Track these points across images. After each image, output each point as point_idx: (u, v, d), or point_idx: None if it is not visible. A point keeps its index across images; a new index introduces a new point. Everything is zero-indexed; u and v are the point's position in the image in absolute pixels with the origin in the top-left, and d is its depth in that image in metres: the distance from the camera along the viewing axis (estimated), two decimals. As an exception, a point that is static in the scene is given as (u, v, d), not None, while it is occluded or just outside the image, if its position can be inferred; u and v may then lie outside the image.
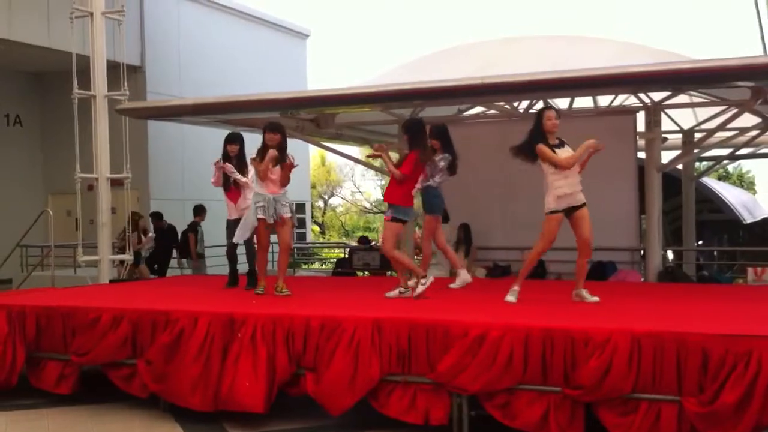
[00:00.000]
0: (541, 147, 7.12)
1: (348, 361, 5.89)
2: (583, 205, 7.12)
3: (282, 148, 7.93)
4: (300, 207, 24.34)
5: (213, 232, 17.71)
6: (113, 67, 12.44)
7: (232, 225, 8.69)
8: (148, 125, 18.24)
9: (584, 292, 7.17)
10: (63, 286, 10.08)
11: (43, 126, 20.29)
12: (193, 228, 14.49)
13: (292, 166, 7.90)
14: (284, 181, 7.93)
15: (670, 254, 15.50)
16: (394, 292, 7.70)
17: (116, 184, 12.39)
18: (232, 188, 8.78)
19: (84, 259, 12.02)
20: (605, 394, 5.24)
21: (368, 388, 5.86)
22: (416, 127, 7.84)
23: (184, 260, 14.87)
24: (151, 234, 14.88)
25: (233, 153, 8.74)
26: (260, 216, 7.87)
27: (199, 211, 14.52)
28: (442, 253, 9.26)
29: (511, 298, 7.13)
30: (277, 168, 7.88)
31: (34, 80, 20.28)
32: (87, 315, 6.89)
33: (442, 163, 8.22)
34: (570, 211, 7.09)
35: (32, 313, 7.13)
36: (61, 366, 7.00)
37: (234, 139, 8.85)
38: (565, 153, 7.11)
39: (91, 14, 12.09)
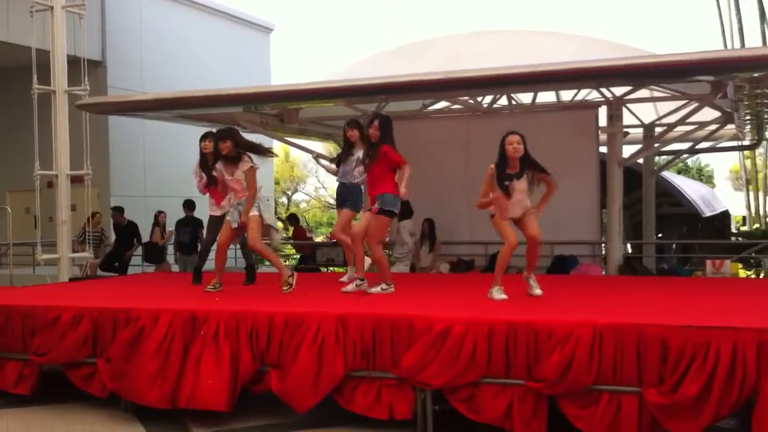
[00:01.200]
0: (487, 174, 7.00)
1: (312, 358, 5.87)
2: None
3: (231, 156, 7.81)
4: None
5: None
6: (74, 62, 12.29)
7: (213, 222, 8.65)
8: (109, 121, 18.05)
9: (531, 281, 7.18)
10: (22, 285, 9.92)
11: (2, 122, 19.96)
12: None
13: (252, 172, 7.79)
14: (251, 190, 7.78)
15: (629, 247, 15.70)
16: (351, 286, 7.69)
17: (76, 181, 12.24)
18: (216, 186, 8.60)
19: (43, 257, 11.87)
20: (568, 386, 5.28)
21: (333, 384, 5.85)
22: (390, 123, 7.76)
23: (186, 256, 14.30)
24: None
25: (225, 151, 8.16)
26: (232, 227, 7.93)
27: (190, 205, 14.18)
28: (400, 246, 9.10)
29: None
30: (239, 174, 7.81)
31: (-7, 75, 19.97)
32: (46, 314, 6.77)
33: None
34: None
35: (-10, 313, 7.00)
36: (21, 366, 6.87)
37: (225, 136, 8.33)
38: (520, 185, 6.86)
39: (52, 8, 11.92)
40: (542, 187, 7.02)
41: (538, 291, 7.10)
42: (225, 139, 7.83)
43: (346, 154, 8.32)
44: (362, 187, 8.18)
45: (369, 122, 7.67)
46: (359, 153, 8.00)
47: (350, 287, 7.71)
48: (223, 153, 7.81)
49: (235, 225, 7.87)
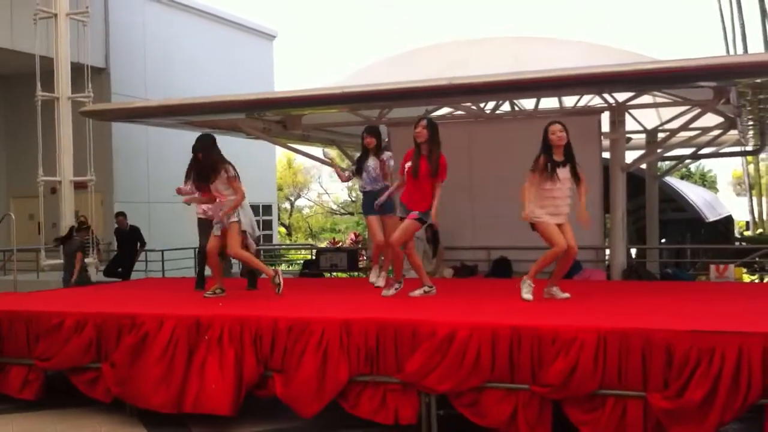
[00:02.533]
0: (531, 171, 7.08)
1: (317, 363, 5.88)
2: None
3: (215, 165, 7.85)
4: (267, 209, 24.26)
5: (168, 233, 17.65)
6: (77, 69, 12.33)
7: (202, 224, 8.67)
8: (113, 127, 18.09)
9: (555, 289, 7.28)
10: (26, 291, 9.94)
11: (6, 128, 20.03)
12: None
13: (234, 180, 7.86)
14: (237, 199, 7.87)
15: (633, 252, 15.69)
16: (419, 291, 7.65)
17: (80, 187, 12.28)
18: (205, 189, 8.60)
19: (47, 263, 11.89)
20: (572, 391, 5.28)
21: (337, 389, 5.86)
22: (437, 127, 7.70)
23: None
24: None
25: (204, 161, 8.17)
26: (214, 233, 7.97)
27: None
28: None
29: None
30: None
31: (-3, 82, 20.03)
32: (51, 319, 6.79)
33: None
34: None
35: (-5, 318, 7.02)
36: (25, 371, 6.90)
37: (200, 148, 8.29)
38: (564, 174, 6.99)
39: (55, 15, 12.00)
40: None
41: (564, 294, 7.20)
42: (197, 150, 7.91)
43: (363, 161, 8.54)
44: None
45: (416, 122, 7.65)
46: (385, 155, 8.36)
47: (417, 292, 7.65)
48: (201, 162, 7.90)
49: (218, 233, 7.90)
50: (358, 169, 8.65)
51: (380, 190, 8.43)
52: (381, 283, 8.60)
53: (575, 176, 7.04)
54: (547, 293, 7.26)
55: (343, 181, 8.91)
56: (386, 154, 8.49)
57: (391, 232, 8.02)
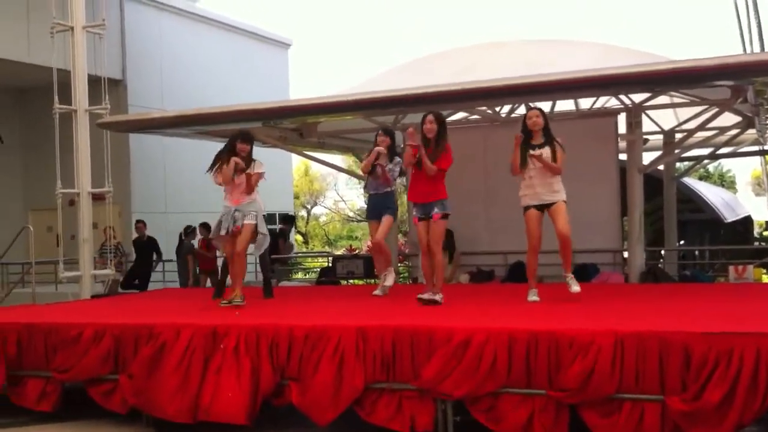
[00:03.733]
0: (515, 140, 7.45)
1: (333, 371, 5.87)
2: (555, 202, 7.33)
3: (250, 158, 7.94)
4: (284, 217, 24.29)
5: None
6: (94, 81, 12.40)
7: None
8: (130, 139, 18.20)
9: (569, 278, 7.50)
10: (44, 303, 10.00)
11: (24, 141, 20.20)
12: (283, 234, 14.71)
13: (258, 176, 7.88)
14: (249, 189, 7.88)
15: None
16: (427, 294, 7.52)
17: (98, 198, 12.33)
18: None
19: (65, 275, 11.94)
20: (589, 395, 5.24)
21: (353, 397, 5.84)
22: (445, 121, 7.73)
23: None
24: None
25: (244, 153, 8.08)
26: (220, 233, 7.91)
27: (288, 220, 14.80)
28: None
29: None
30: (243, 176, 7.86)
31: (15, 95, 20.20)
32: (69, 331, 6.82)
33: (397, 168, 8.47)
34: (544, 207, 7.38)
35: (13, 331, 7.05)
36: (43, 383, 6.92)
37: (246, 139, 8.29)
38: (545, 152, 7.30)
39: (72, 28, 12.06)
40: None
41: (575, 288, 7.37)
42: (246, 141, 8.01)
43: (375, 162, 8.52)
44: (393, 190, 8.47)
45: (423, 117, 7.61)
46: (395, 160, 8.34)
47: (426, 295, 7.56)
48: (242, 155, 7.91)
49: (224, 232, 7.90)
50: (372, 170, 8.59)
51: (383, 195, 8.49)
52: (390, 281, 8.59)
53: (553, 155, 7.30)
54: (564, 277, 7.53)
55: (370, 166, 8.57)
56: (396, 160, 8.46)
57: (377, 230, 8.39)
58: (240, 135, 8.07)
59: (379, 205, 8.59)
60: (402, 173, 8.68)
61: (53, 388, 6.89)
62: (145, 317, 7.19)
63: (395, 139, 8.92)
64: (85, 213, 11.97)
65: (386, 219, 8.47)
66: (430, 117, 7.54)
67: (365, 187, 8.89)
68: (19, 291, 14.58)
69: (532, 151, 7.32)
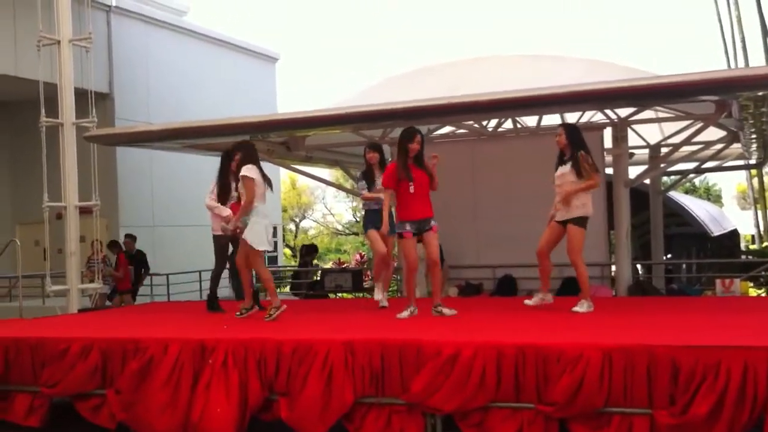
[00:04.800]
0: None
1: (321, 385, 5.86)
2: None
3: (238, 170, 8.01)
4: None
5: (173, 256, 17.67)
6: (81, 95, 12.38)
7: (220, 242, 8.79)
8: (117, 152, 18.13)
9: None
10: (31, 317, 9.94)
11: (11, 155, 20.08)
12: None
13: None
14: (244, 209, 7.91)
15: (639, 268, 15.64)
16: (406, 313, 7.61)
17: (85, 212, 12.29)
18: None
19: (53, 289, 11.88)
20: (578, 409, 5.26)
21: (342, 411, 5.83)
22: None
23: None
24: None
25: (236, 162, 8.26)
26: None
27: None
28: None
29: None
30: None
31: (2, 109, 20.10)
32: (56, 346, 6.79)
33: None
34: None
35: (0, 345, 7.01)
36: (31, 398, 6.88)
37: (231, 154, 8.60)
38: (562, 170, 7.88)
39: (59, 42, 12.04)
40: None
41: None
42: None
43: (368, 178, 8.67)
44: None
45: (411, 135, 7.70)
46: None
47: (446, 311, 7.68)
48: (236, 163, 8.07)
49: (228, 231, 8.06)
50: (370, 185, 8.73)
51: (381, 209, 8.34)
52: (386, 302, 8.59)
53: (576, 171, 7.71)
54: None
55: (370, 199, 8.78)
56: None
57: (391, 249, 8.38)
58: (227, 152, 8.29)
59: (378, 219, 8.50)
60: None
61: (41, 402, 6.85)
62: (133, 331, 7.16)
63: (384, 153, 8.97)
64: (72, 226, 11.92)
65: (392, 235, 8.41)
66: (419, 137, 7.67)
67: (366, 205, 8.95)
68: (6, 305, 14.52)
69: (561, 167, 7.86)
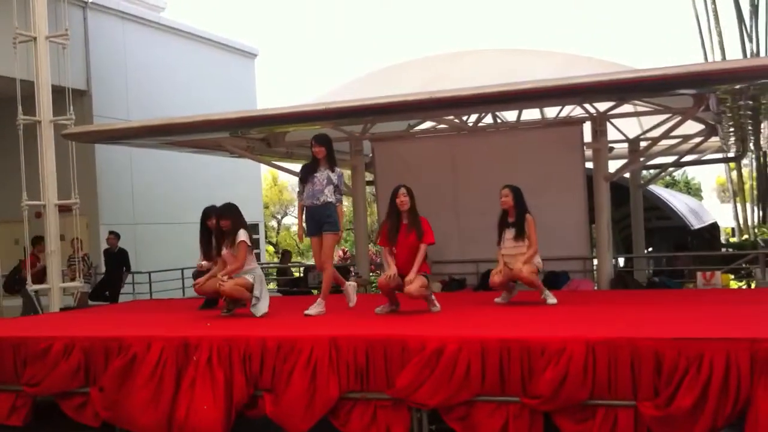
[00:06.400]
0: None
1: (306, 381, 5.86)
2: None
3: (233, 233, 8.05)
4: (253, 227, 24.15)
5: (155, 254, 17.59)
6: (58, 92, 12.28)
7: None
8: (96, 150, 17.99)
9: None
10: (12, 316, 9.87)
11: (-12, 153, 19.87)
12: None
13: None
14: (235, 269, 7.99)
15: (621, 261, 15.72)
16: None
17: (64, 210, 12.20)
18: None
19: (33, 287, 11.79)
20: (563, 402, 5.28)
21: (328, 407, 5.83)
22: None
23: None
24: None
25: (226, 228, 8.14)
26: None
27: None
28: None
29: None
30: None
31: (-23, 107, 19.89)
32: (38, 344, 6.74)
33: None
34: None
35: (-19, 345, 6.95)
36: (13, 397, 6.82)
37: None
38: (508, 234, 8.02)
39: (35, 39, 11.93)
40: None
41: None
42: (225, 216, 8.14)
43: (310, 171, 8.01)
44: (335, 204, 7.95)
45: (394, 192, 7.70)
46: (327, 172, 7.91)
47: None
48: (224, 229, 8.08)
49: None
50: (303, 178, 8.05)
51: (320, 207, 7.86)
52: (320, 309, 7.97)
53: (517, 233, 7.93)
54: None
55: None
56: (338, 171, 8.02)
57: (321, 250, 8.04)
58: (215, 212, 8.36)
59: (318, 217, 7.92)
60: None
61: (24, 401, 6.80)
62: (115, 330, 7.13)
63: (332, 145, 8.18)
64: (51, 225, 11.83)
65: (328, 237, 7.92)
66: (403, 190, 7.65)
67: (299, 194, 8.21)
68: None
69: (507, 230, 7.99)
